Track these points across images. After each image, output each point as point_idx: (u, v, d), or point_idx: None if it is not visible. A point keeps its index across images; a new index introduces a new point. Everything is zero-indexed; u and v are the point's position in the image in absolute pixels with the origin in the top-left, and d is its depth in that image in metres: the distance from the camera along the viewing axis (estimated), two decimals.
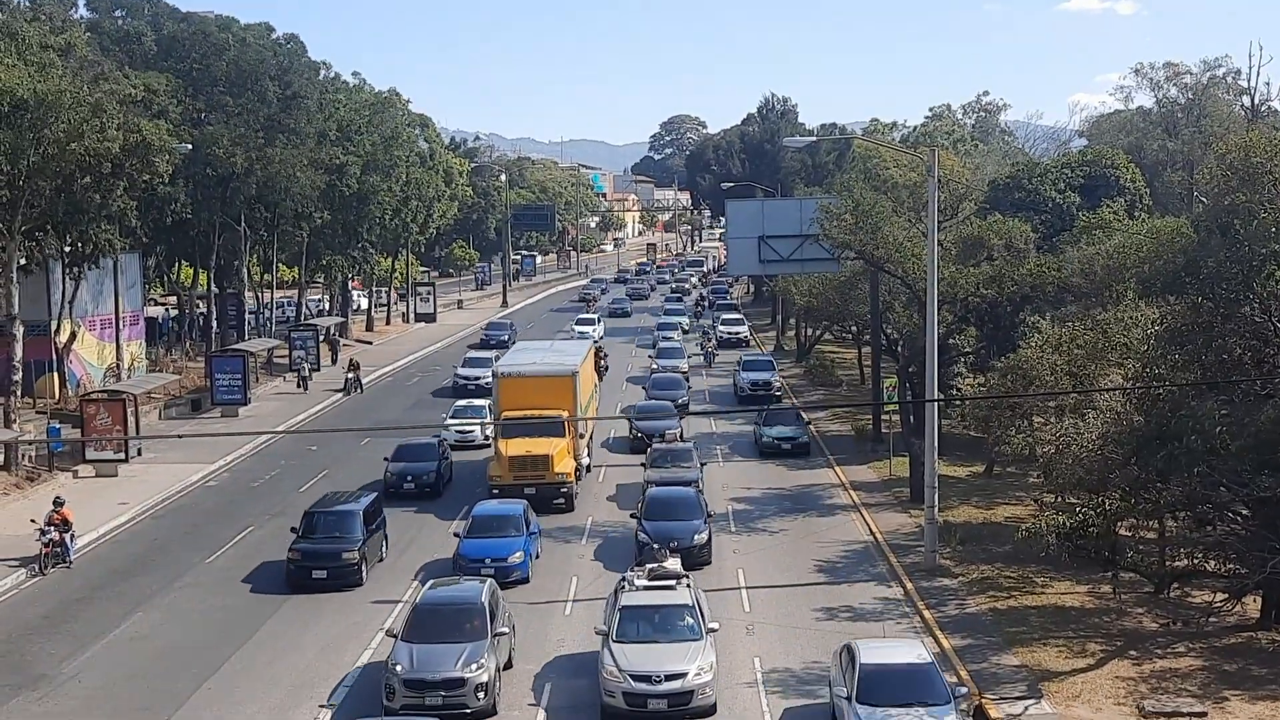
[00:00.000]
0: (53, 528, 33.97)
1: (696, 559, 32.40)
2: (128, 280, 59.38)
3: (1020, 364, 35.33)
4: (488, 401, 51.52)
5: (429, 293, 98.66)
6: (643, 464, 41.41)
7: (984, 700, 23.95)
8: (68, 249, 50.79)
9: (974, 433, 43.37)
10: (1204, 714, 23.43)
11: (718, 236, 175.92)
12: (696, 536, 33.15)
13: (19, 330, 46.08)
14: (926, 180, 34.71)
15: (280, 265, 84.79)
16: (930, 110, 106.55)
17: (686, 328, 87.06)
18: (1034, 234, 45.56)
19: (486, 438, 48.27)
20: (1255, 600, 28.43)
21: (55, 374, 53.08)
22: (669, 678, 23.57)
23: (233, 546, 36.24)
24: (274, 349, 69.12)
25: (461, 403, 52.93)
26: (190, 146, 54.36)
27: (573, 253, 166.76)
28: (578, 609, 30.36)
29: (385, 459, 42.43)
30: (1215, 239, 29.16)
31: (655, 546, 29.82)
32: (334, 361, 70.78)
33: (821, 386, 64.16)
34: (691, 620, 25.03)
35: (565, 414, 40.81)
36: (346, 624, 29.44)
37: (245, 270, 71.89)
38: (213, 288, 70.70)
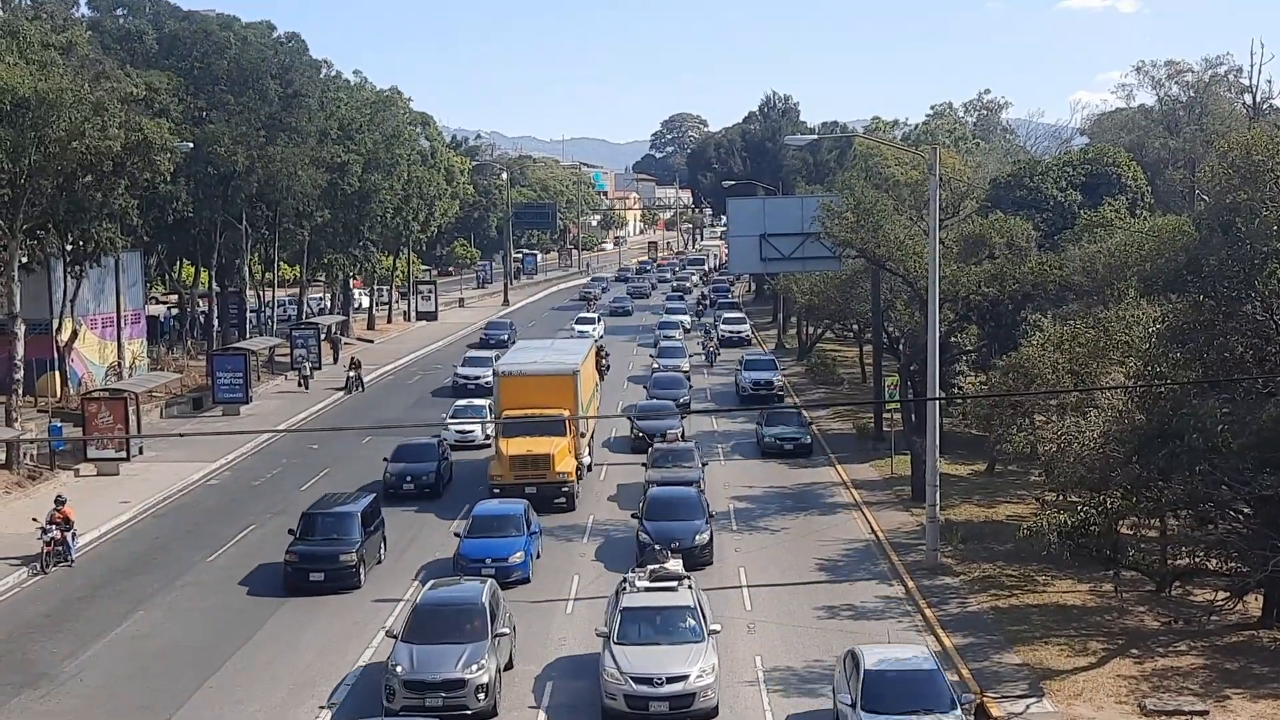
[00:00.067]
0: (54, 526, 33.98)
1: (698, 559, 32.31)
2: (129, 279, 59.40)
3: (1022, 362, 35.30)
4: (488, 401, 51.49)
5: (430, 291, 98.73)
6: (644, 464, 41.32)
7: (985, 699, 23.93)
8: (69, 247, 50.83)
9: (975, 431, 43.36)
10: (1205, 712, 23.42)
11: (719, 235, 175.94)
12: (698, 537, 33.03)
13: (20, 329, 46.11)
14: (928, 178, 34.68)
15: (282, 264, 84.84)
16: (932, 108, 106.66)
17: (688, 326, 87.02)
18: (1035, 232, 45.55)
19: (487, 437, 48.15)
20: (1257, 599, 28.43)
21: (57, 373, 53.11)
22: (670, 680, 23.43)
23: (234, 545, 36.25)
24: (275, 348, 69.15)
25: (461, 402, 52.81)
26: (191, 145, 54.36)
27: (574, 251, 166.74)
28: (579, 608, 30.34)
29: (384, 459, 42.26)
30: (1217, 237, 29.13)
31: (657, 547, 29.71)
32: (335, 360, 70.79)
33: (823, 385, 64.14)
34: (693, 622, 24.89)
35: (566, 413, 40.77)
36: (347, 623, 29.43)
37: (246, 269, 71.94)
38: (214, 286, 70.70)
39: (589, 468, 43.96)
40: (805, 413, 51.62)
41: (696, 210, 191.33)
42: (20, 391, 46.40)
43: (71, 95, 42.75)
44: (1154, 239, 36.65)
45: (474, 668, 23.71)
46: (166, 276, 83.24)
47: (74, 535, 34.77)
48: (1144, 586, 30.23)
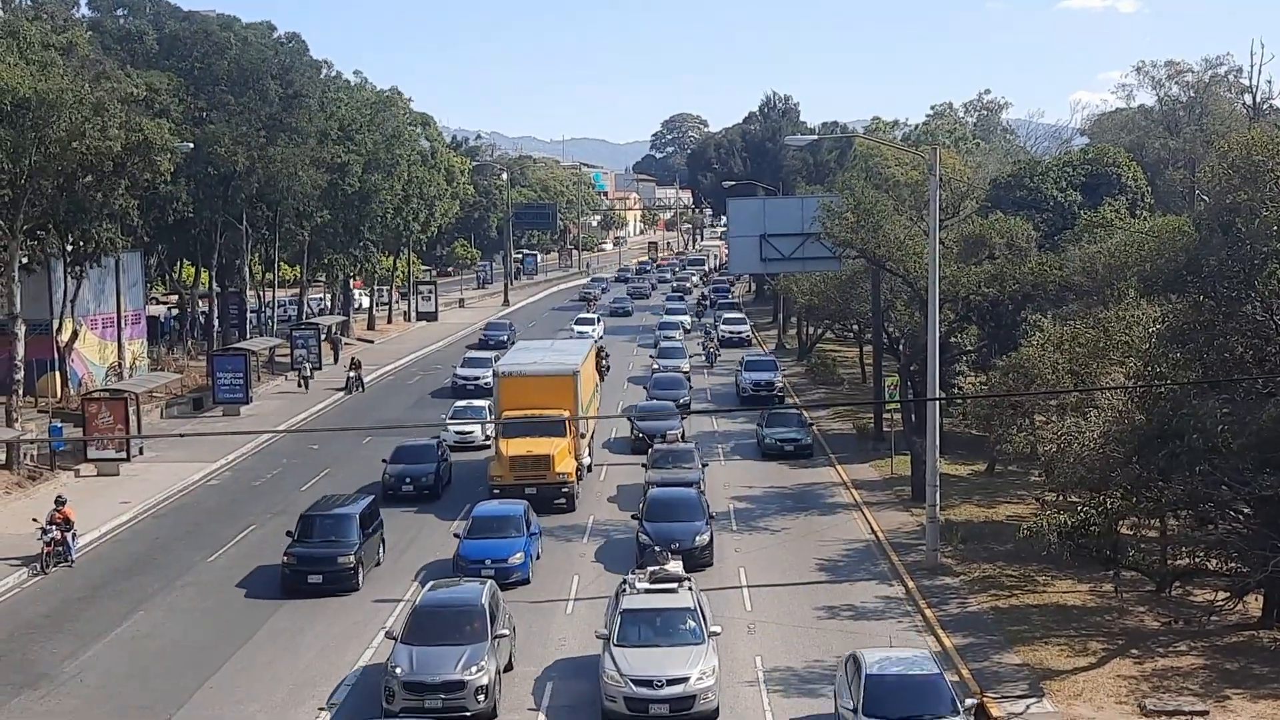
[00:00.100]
0: (54, 527, 33.98)
1: (698, 561, 32.23)
2: (129, 279, 59.43)
3: (1022, 362, 35.32)
4: (487, 402, 51.44)
5: (430, 291, 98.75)
6: (644, 465, 41.26)
7: (986, 699, 23.92)
8: (69, 248, 50.83)
9: (975, 431, 43.38)
10: (1205, 713, 23.42)
11: (719, 235, 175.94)
12: (698, 538, 32.95)
13: (21, 329, 46.13)
14: (928, 179, 34.69)
15: (282, 264, 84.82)
16: (932, 109, 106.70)
17: (688, 327, 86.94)
18: (1035, 232, 45.55)
19: (487, 438, 48.06)
20: (1257, 599, 28.44)
21: (57, 373, 53.12)
22: (671, 682, 23.35)
23: (234, 546, 36.25)
24: (275, 348, 69.16)
25: (461, 403, 52.60)
26: (192, 145, 54.38)
27: (574, 251, 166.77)
28: (579, 608, 30.34)
29: (383, 461, 42.11)
30: (1217, 237, 29.14)
31: (657, 549, 29.60)
32: (335, 360, 70.80)
33: (823, 385, 64.14)
34: (693, 624, 24.80)
35: (566, 414, 40.74)
36: (347, 623, 29.43)
37: (247, 269, 71.94)
38: (214, 286, 70.69)
39: (589, 468, 43.93)
40: (806, 413, 51.54)
41: (696, 210, 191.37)
42: (20, 392, 46.42)
43: (72, 96, 42.76)
44: (1154, 239, 36.65)
45: (474, 669, 23.64)
46: (167, 277, 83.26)
47: (74, 535, 34.77)
48: (1144, 587, 30.24)
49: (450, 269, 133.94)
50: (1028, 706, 23.95)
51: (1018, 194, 56.47)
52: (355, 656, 27.25)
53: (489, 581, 27.30)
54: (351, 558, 31.55)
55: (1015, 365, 35.72)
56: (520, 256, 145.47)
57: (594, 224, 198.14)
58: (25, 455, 44.10)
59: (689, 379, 60.70)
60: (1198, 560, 28.20)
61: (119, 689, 25.87)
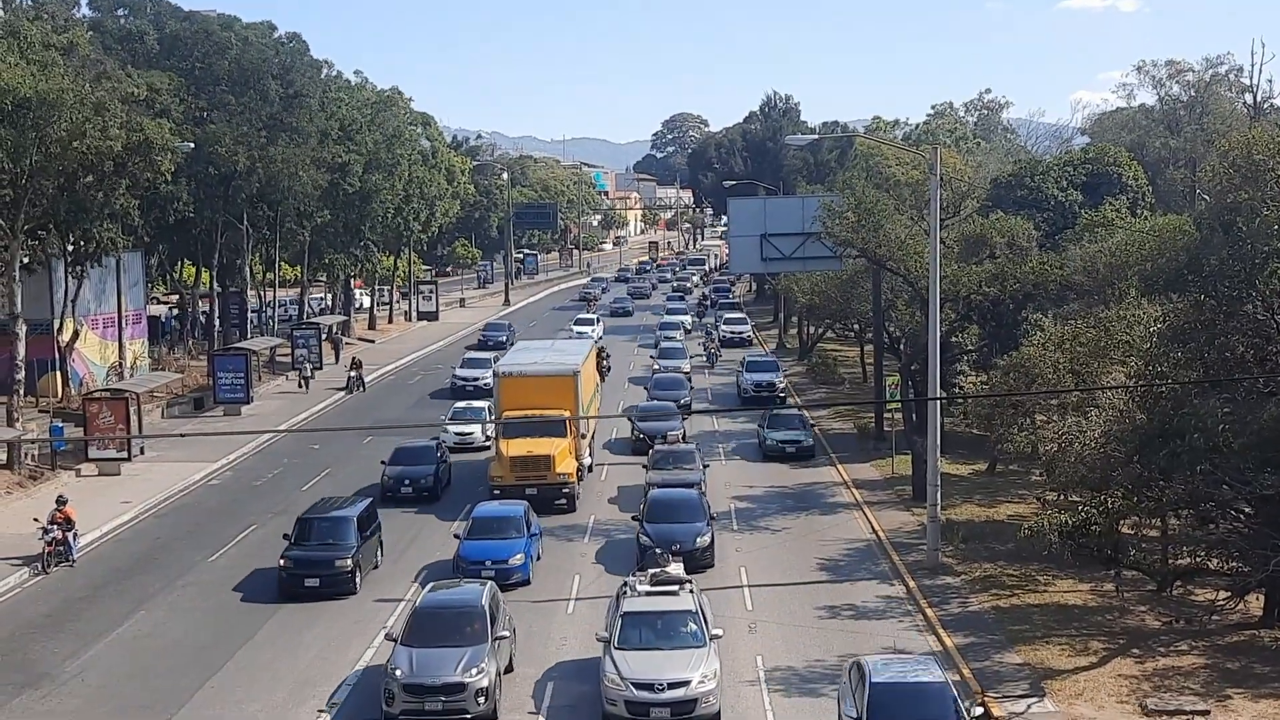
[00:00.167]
0: (55, 526, 33.98)
1: (699, 562, 32.10)
2: (130, 279, 59.44)
3: (1023, 362, 35.32)
4: (487, 403, 51.37)
5: (431, 291, 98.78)
6: (644, 465, 41.15)
7: (987, 698, 23.90)
8: (70, 248, 50.85)
9: (976, 431, 43.36)
10: (1207, 712, 23.41)
11: (719, 235, 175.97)
12: (699, 539, 32.82)
13: (22, 329, 46.14)
14: (929, 178, 34.69)
15: (283, 264, 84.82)
16: (932, 108, 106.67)
17: (689, 327, 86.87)
18: (1036, 232, 45.58)
19: (487, 439, 47.87)
20: (1258, 598, 28.42)
21: (58, 373, 53.14)
22: (672, 686, 23.19)
23: (235, 545, 36.25)
24: (276, 348, 69.17)
25: (460, 404, 52.24)
26: (192, 145, 54.41)
27: (575, 251, 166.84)
28: (580, 608, 30.33)
29: (382, 462, 41.86)
30: (1218, 237, 29.15)
31: (658, 551, 29.50)
32: (336, 360, 70.82)
33: (824, 385, 64.13)
34: (695, 626, 24.64)
35: (567, 414, 40.70)
36: (348, 623, 29.43)
37: (248, 269, 71.95)
38: (215, 286, 70.72)
39: (589, 468, 43.91)
40: (807, 414, 51.45)
41: (697, 210, 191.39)
42: (21, 392, 46.43)
43: (73, 95, 42.77)
44: (1155, 238, 36.69)
45: (474, 671, 23.53)
46: (168, 277, 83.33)
47: (75, 535, 34.78)
48: (1145, 586, 30.23)
49: (449, 269, 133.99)
50: (1029, 706, 23.94)
51: (1018, 193, 56.47)
52: (356, 656, 27.24)
53: (489, 583, 27.22)
54: (349, 561, 31.28)
55: (1016, 365, 35.73)
56: (521, 256, 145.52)
57: (594, 224, 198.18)
58: (26, 455, 44.12)
59: (690, 379, 60.60)
60: (1199, 560, 28.19)
61: (120, 688, 25.87)
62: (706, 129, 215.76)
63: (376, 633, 28.03)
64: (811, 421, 50.52)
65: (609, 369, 64.73)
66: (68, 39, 48.78)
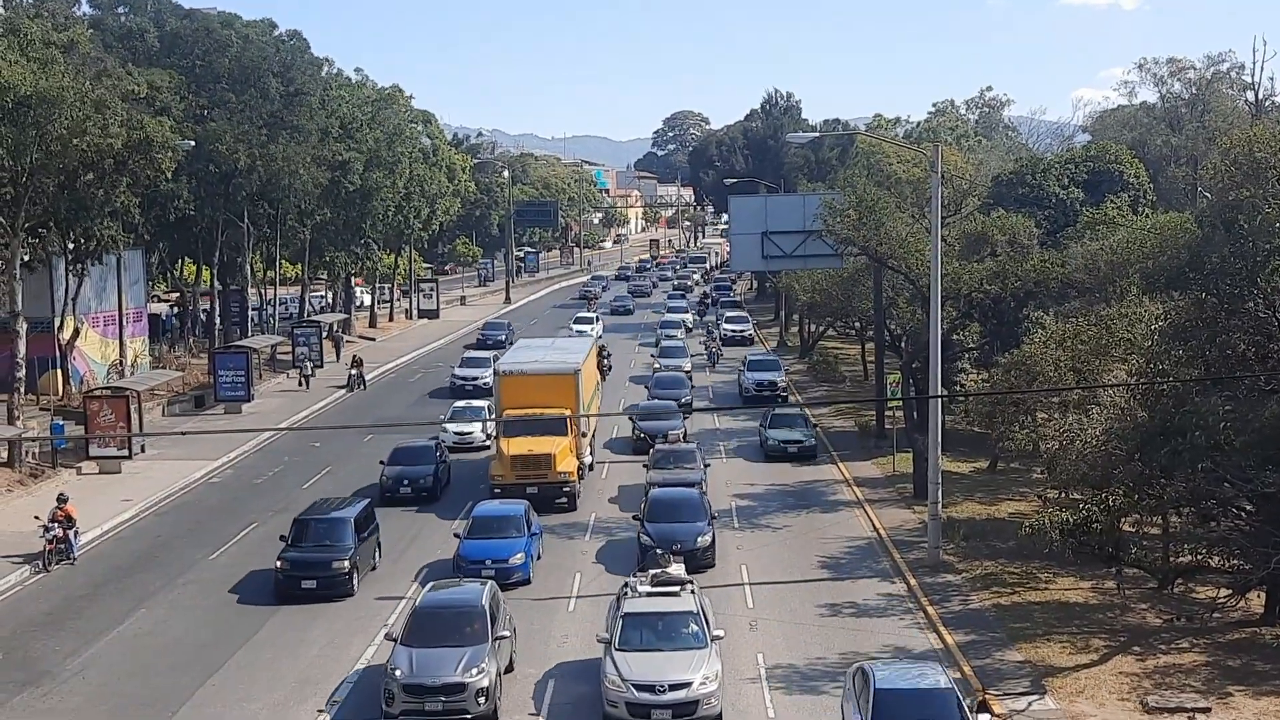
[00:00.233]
0: (56, 524, 34.00)
1: (700, 562, 32.00)
2: (131, 277, 59.41)
3: (1024, 360, 35.30)
4: (487, 403, 51.29)
5: (432, 289, 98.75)
6: (645, 465, 41.01)
7: (988, 696, 23.89)
8: (71, 246, 50.83)
9: (977, 428, 43.31)
10: (1208, 709, 23.41)
11: (720, 232, 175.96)
12: (700, 539, 32.70)
13: (22, 327, 46.12)
14: (930, 176, 34.66)
15: (283, 262, 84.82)
16: (934, 106, 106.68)
17: (690, 325, 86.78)
18: (1037, 230, 45.55)
19: (487, 439, 47.69)
20: (1259, 596, 28.42)
21: (59, 371, 53.10)
22: (673, 687, 23.07)
23: (236, 544, 36.25)
24: (277, 346, 69.19)
25: (460, 404, 51.96)
26: (193, 143, 54.39)
27: (575, 249, 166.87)
28: (581, 605, 30.32)
29: (381, 462, 41.63)
30: (1219, 234, 29.12)
31: (658, 551, 29.44)
32: (337, 358, 70.82)
33: (825, 383, 64.12)
34: (696, 627, 24.54)
35: (568, 412, 40.65)
36: (349, 621, 29.42)
37: (248, 267, 71.94)
38: (216, 284, 70.72)
39: (590, 467, 43.86)
40: (809, 413, 51.33)
41: (698, 208, 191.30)
42: (22, 390, 46.40)
43: (73, 93, 42.73)
44: (1156, 236, 36.66)
45: (474, 671, 23.44)
46: (168, 274, 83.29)
47: (76, 533, 34.79)
48: (1146, 584, 30.22)
49: (448, 267, 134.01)
50: (1030, 704, 23.94)
51: (1020, 191, 56.43)
52: (357, 654, 27.23)
53: (489, 582, 27.12)
54: (346, 562, 31.02)
55: (1017, 362, 35.72)
56: (522, 254, 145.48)
57: (595, 222, 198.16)
58: (27, 453, 44.14)
59: (691, 378, 60.51)
60: (1200, 557, 28.17)
61: (121, 687, 25.87)
62: (707, 127, 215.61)
63: (377, 631, 28.01)
64: (813, 421, 50.45)
65: (610, 368, 64.71)
66: (68, 37, 48.72)
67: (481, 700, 23.32)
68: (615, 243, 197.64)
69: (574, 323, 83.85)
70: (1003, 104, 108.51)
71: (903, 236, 40.10)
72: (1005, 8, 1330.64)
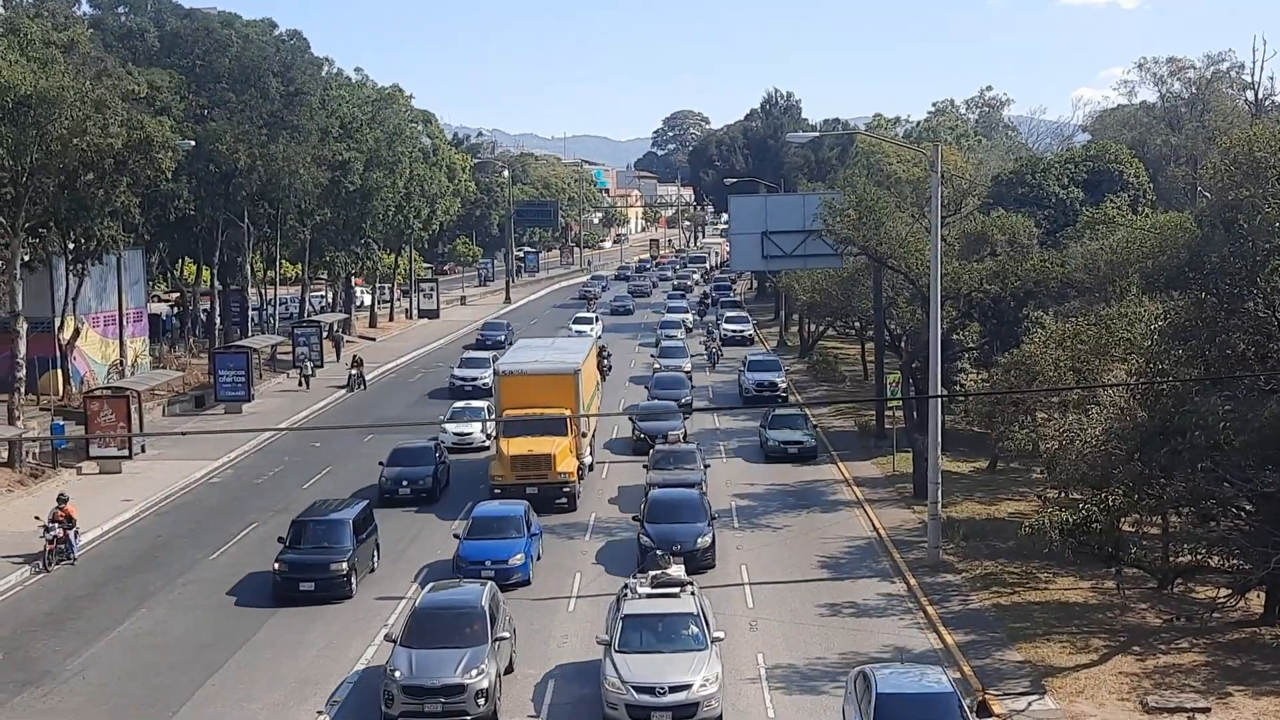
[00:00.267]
0: (56, 524, 34.00)
1: (700, 563, 31.91)
2: (131, 277, 59.42)
3: (1024, 360, 35.31)
4: (486, 403, 51.24)
5: (432, 289, 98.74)
6: (645, 466, 40.90)
7: (987, 696, 23.90)
8: (71, 245, 50.83)
9: (977, 428, 43.33)
10: (1207, 709, 23.41)
11: (720, 232, 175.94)
12: (700, 540, 32.61)
13: (22, 327, 46.13)
14: (930, 175, 34.67)
15: (283, 261, 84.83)
16: (934, 106, 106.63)
17: (690, 325, 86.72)
18: (1037, 229, 45.54)
19: (486, 438, 47.56)
20: (1259, 596, 28.42)
21: (59, 371, 53.10)
22: (673, 689, 22.99)
23: (236, 544, 36.25)
24: (277, 345, 69.19)
25: (459, 404, 51.77)
26: (193, 143, 54.39)
27: (575, 249, 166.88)
28: (581, 605, 30.32)
29: (380, 463, 41.43)
30: (1219, 234, 29.12)
31: (658, 552, 29.41)
32: (337, 358, 70.82)
33: (825, 382, 64.12)
34: (696, 629, 24.45)
35: (568, 412, 40.63)
36: (349, 621, 29.42)
37: (248, 267, 71.95)
38: (216, 284, 70.74)
39: (590, 467, 43.84)
40: (809, 414, 51.24)
41: (698, 208, 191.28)
42: (22, 390, 46.41)
43: (73, 93, 42.74)
44: (1156, 236, 36.65)
45: (474, 673, 23.39)
46: (168, 274, 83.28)
47: (76, 533, 34.79)
48: (1146, 584, 30.23)
49: (447, 267, 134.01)
50: (1030, 703, 23.94)
51: (1019, 191, 56.44)
52: (358, 654, 27.23)
53: (489, 583, 27.09)
54: (344, 564, 30.87)
55: (1017, 362, 35.72)
56: (522, 254, 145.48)
57: (595, 221, 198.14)
58: (27, 453, 44.14)
59: (691, 378, 60.46)
60: (1199, 557, 28.18)
61: (121, 687, 25.88)
62: (707, 126, 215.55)
63: (377, 631, 28.02)
64: (813, 421, 50.39)
65: (610, 368, 64.69)
66: (68, 36, 48.72)
67: (481, 702, 23.27)
68: (615, 242, 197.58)
69: (573, 323, 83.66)
70: (1002, 103, 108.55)
71: (902, 236, 40.10)
72: (1005, 8, 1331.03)
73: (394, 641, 24.67)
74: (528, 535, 32.92)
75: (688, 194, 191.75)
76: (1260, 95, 75.19)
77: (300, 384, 63.42)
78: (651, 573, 26.60)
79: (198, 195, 60.60)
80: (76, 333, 53.04)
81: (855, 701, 21.86)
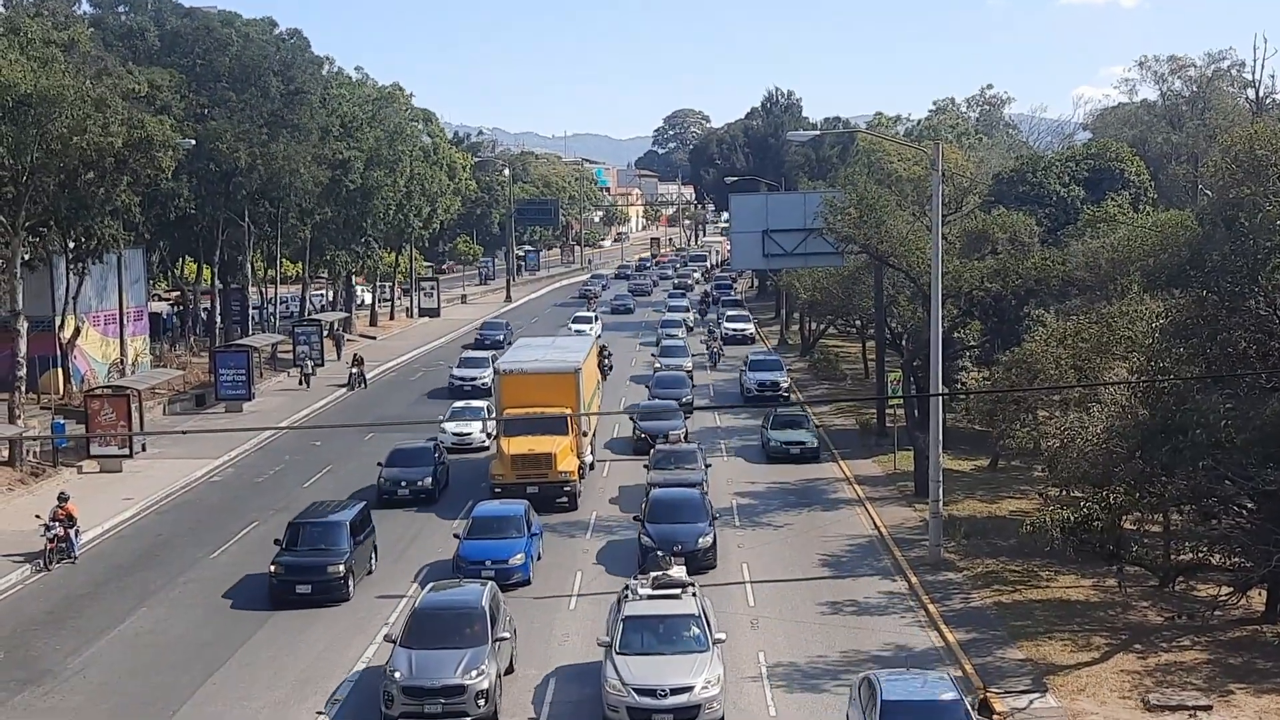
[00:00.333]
0: (57, 523, 34.00)
1: (701, 563, 31.79)
2: (131, 276, 59.42)
3: (1025, 358, 35.29)
4: (486, 403, 51.15)
5: (432, 288, 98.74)
6: (645, 465, 40.75)
7: (989, 694, 23.90)
8: (71, 244, 50.83)
9: (978, 427, 43.30)
10: (1209, 707, 23.40)
11: (721, 231, 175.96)
12: (701, 540, 32.49)
13: (23, 326, 46.13)
14: (931, 174, 34.65)
15: (284, 260, 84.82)
16: (934, 104, 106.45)
17: (691, 324, 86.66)
18: (1038, 227, 45.51)
19: (486, 438, 47.36)
20: (1260, 594, 28.40)
21: (59, 370, 53.13)
22: (674, 691, 22.85)
23: (237, 542, 36.24)
24: (278, 344, 69.17)
25: (459, 404, 51.52)
26: (193, 142, 54.38)
27: (576, 247, 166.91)
28: (582, 604, 30.31)
29: (379, 464, 41.19)
30: (1220, 232, 29.11)
31: (659, 553, 29.33)
32: (338, 357, 70.81)
33: (826, 381, 64.11)
34: (697, 631, 24.33)
35: (568, 411, 40.58)
36: (350, 620, 29.41)
37: (249, 265, 71.95)
38: (216, 283, 70.75)
39: (591, 466, 43.80)
40: (812, 416, 51.09)
41: (699, 206, 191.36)
42: (23, 388, 46.42)
43: (73, 92, 42.73)
44: (1157, 234, 36.64)
45: (474, 673, 23.32)
46: (169, 273, 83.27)
47: (77, 532, 34.79)
48: (1147, 582, 30.21)
49: (447, 265, 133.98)
50: (1031, 701, 23.92)
51: (1020, 189, 56.35)
52: (358, 654, 27.21)
53: (489, 583, 27.01)
54: (341, 567, 30.64)
55: (1018, 360, 35.70)
56: (522, 252, 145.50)
57: (596, 220, 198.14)
58: (28, 452, 44.14)
59: (692, 377, 60.36)
60: (1201, 555, 28.17)
61: (122, 685, 25.88)
62: (708, 125, 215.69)
63: (378, 631, 28.01)
64: (817, 425, 50.18)
65: (611, 367, 64.63)
66: (68, 35, 48.70)
67: (481, 702, 23.20)
68: (616, 241, 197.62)
69: (572, 322, 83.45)
70: (1003, 102, 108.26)
71: (903, 234, 40.10)
72: (1005, 7, 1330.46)
73: (394, 642, 24.59)
74: (528, 535, 32.84)
75: (688, 192, 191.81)
76: (1261, 93, 75.13)
77: (301, 383, 63.40)
78: (652, 574, 26.46)
79: (198, 194, 60.60)
80: (77, 331, 53.05)
81: (860, 708, 21.67)
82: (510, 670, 25.58)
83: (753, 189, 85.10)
